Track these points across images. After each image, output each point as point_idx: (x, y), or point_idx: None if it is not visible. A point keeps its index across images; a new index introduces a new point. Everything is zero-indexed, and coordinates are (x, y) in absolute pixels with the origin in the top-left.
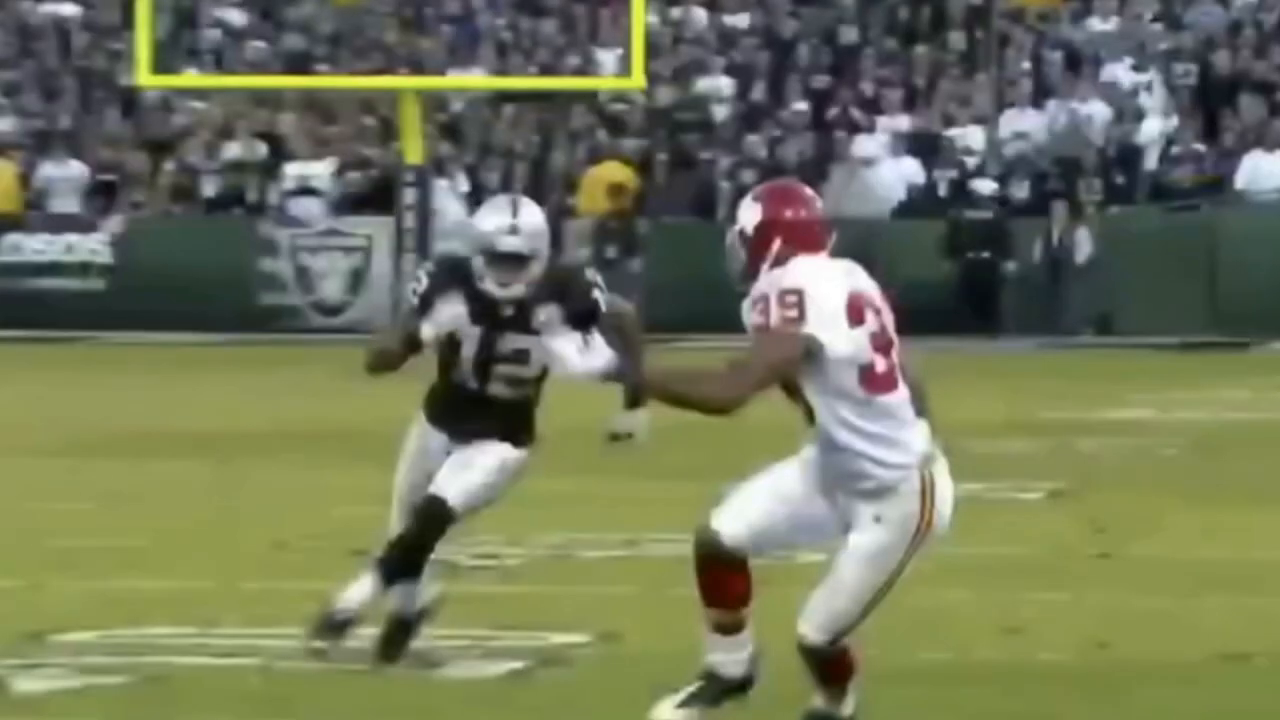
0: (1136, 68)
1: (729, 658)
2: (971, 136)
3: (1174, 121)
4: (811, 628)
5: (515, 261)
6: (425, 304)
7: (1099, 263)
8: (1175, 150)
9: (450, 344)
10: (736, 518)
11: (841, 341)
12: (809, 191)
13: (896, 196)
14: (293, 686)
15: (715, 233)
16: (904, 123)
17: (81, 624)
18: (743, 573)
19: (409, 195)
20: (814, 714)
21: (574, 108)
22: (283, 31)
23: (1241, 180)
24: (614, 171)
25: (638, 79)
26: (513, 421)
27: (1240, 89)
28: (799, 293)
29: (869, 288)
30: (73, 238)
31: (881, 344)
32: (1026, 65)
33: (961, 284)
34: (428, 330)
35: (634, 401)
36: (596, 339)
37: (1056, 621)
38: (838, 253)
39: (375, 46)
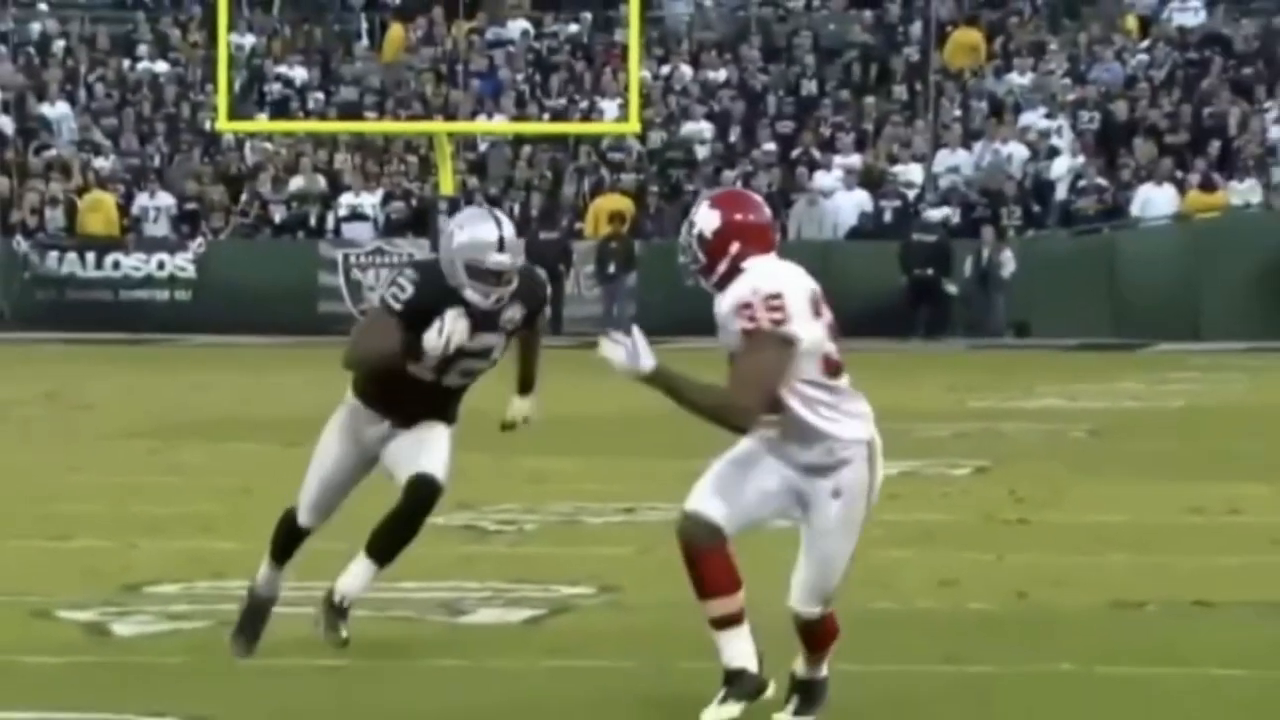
0: (1048, 115)
1: (746, 648)
2: (912, 172)
3: (1080, 159)
4: (806, 604)
5: (500, 276)
6: (413, 312)
7: (1019, 277)
8: (1081, 183)
9: (422, 339)
10: (709, 497)
11: (811, 334)
12: (758, 197)
13: (849, 222)
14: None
15: None
16: (855, 161)
17: (169, 578)
18: (727, 554)
19: (442, 221)
20: (799, 680)
21: (580, 148)
22: (338, 84)
23: (1136, 208)
24: (614, 201)
25: (634, 124)
26: (454, 406)
27: (1135, 133)
28: (780, 295)
29: (816, 284)
30: (163, 256)
31: (833, 334)
32: (957, 113)
33: (910, 295)
34: (433, 341)
35: (526, 389)
36: (639, 340)
37: (983, 576)
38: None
39: (415, 97)
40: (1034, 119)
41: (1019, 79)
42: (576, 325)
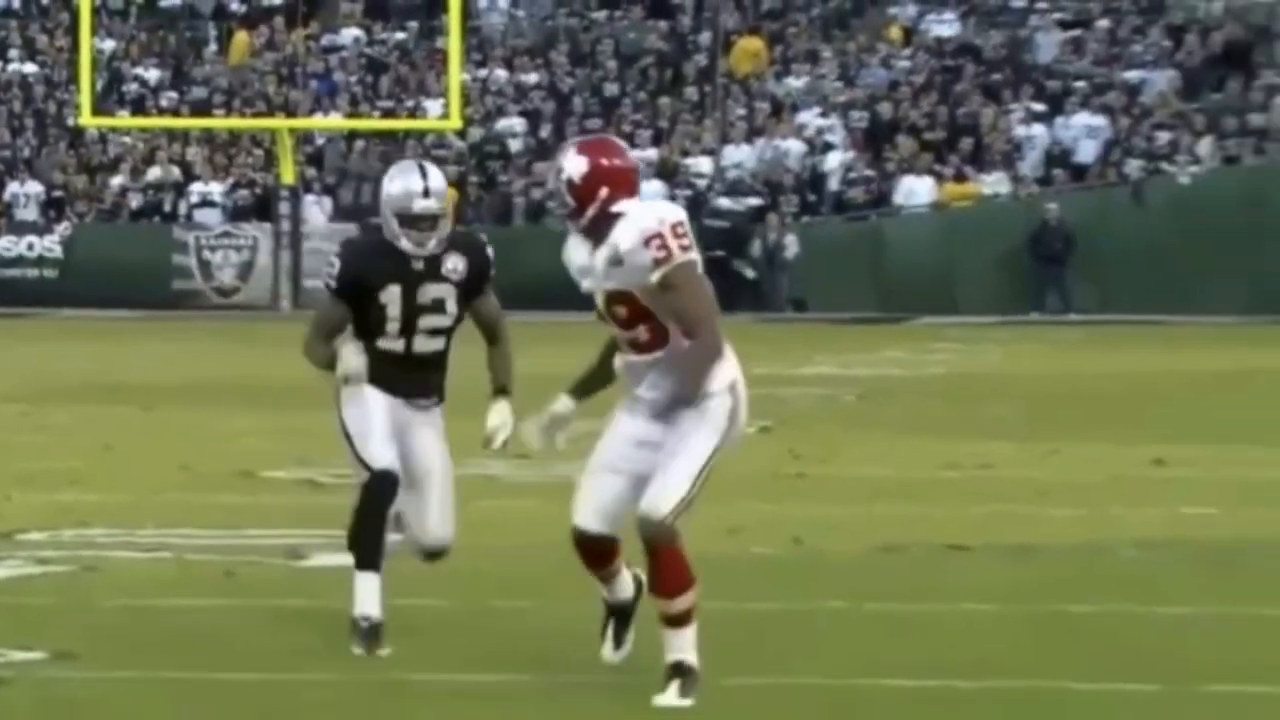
0: (822, 114)
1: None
2: (702, 165)
3: (850, 154)
4: (652, 506)
5: (429, 221)
6: (348, 284)
7: (798, 258)
8: (851, 175)
9: (375, 307)
10: (587, 510)
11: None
12: (622, 143)
13: None
14: (201, 569)
15: (513, 236)
16: (652, 154)
17: (38, 526)
18: (619, 551)
19: (283, 207)
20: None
21: (408, 142)
22: (189, 84)
23: (899, 197)
24: None
25: (455, 121)
26: (439, 377)
27: (898, 130)
28: (684, 223)
29: None
30: (33, 239)
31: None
32: (742, 112)
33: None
34: (352, 362)
35: (499, 389)
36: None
37: (765, 524)
38: None
39: (259, 96)
40: (810, 118)
41: (796, 82)
42: None
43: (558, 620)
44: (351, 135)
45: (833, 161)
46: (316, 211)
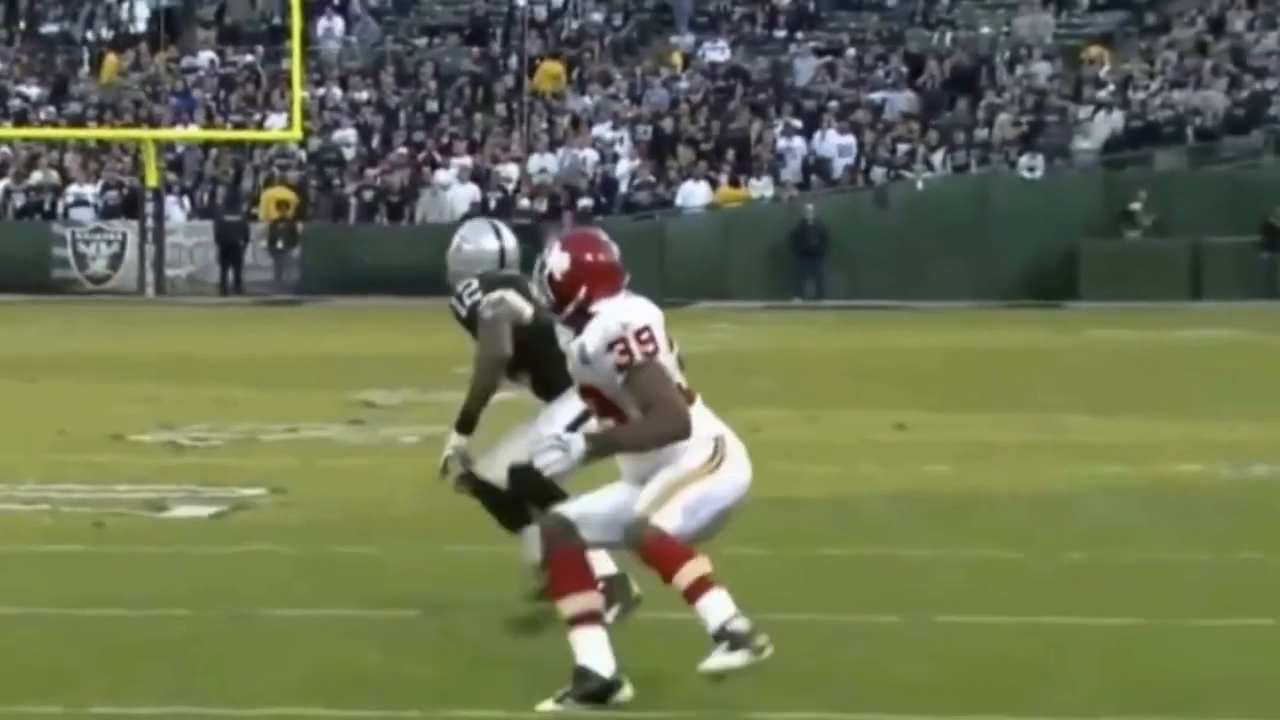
0: (614, 128)
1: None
2: (510, 170)
3: (637, 162)
4: (631, 515)
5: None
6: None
7: None
8: (638, 181)
9: None
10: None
11: (668, 364)
12: (604, 237)
13: (463, 209)
14: (74, 520)
15: (347, 233)
16: (468, 161)
17: None
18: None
19: (148, 207)
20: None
21: (255, 151)
22: (67, 100)
23: (679, 200)
24: (281, 193)
25: (297, 133)
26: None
27: (678, 142)
28: (648, 328)
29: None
30: None
31: (680, 366)
32: (545, 125)
33: None
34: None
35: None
36: (564, 436)
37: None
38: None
39: (127, 110)
40: (603, 131)
41: (590, 100)
42: (254, 288)
43: (392, 562)
44: (207, 144)
45: (622, 169)
46: (177, 210)
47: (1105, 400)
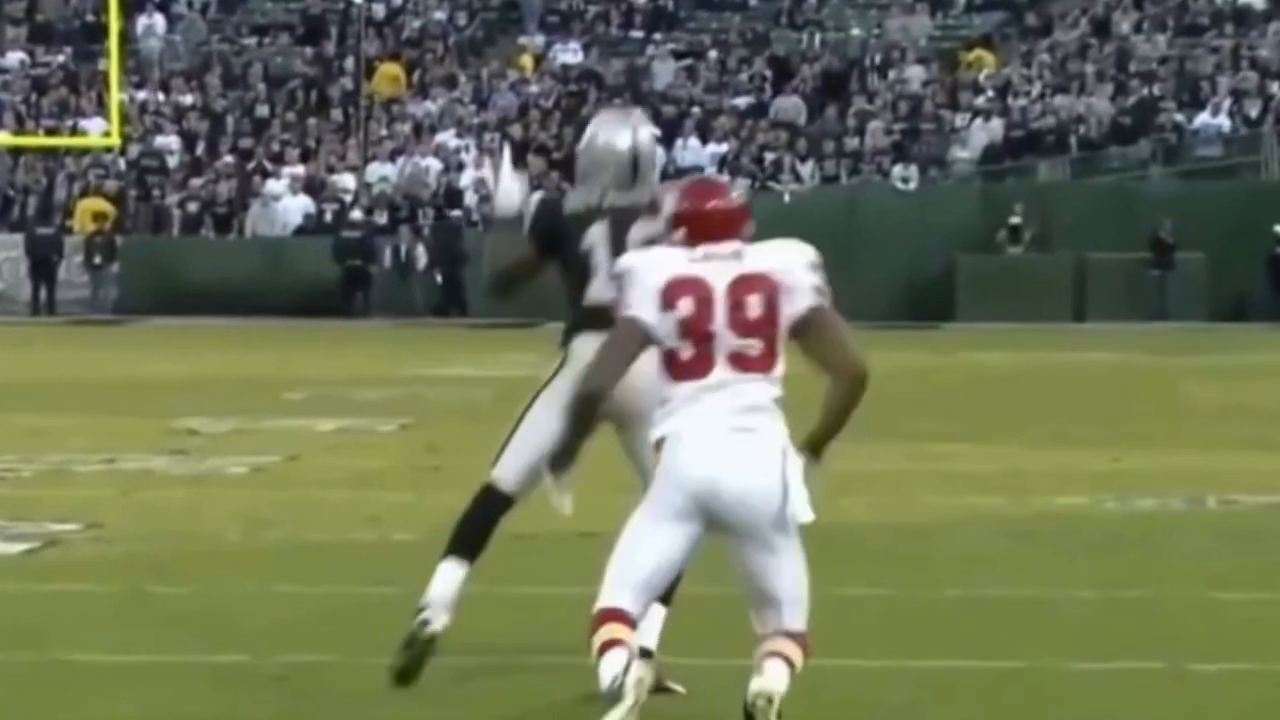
0: (458, 135)
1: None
2: (347, 181)
3: (483, 172)
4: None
5: None
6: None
7: (426, 267)
8: (484, 191)
9: None
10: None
11: (650, 317)
12: (724, 185)
13: (295, 222)
14: None
15: (169, 246)
16: (301, 171)
17: None
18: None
19: None
20: None
21: (69, 158)
22: None
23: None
24: (98, 203)
25: (115, 139)
26: None
27: (528, 150)
28: (625, 273)
29: (712, 275)
30: None
31: (693, 332)
32: (384, 132)
33: (344, 282)
34: None
35: None
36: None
37: (405, 514)
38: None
39: None
40: (446, 138)
41: (434, 105)
42: (68, 307)
43: (218, 602)
44: (16, 151)
45: (467, 178)
46: None
47: (983, 428)
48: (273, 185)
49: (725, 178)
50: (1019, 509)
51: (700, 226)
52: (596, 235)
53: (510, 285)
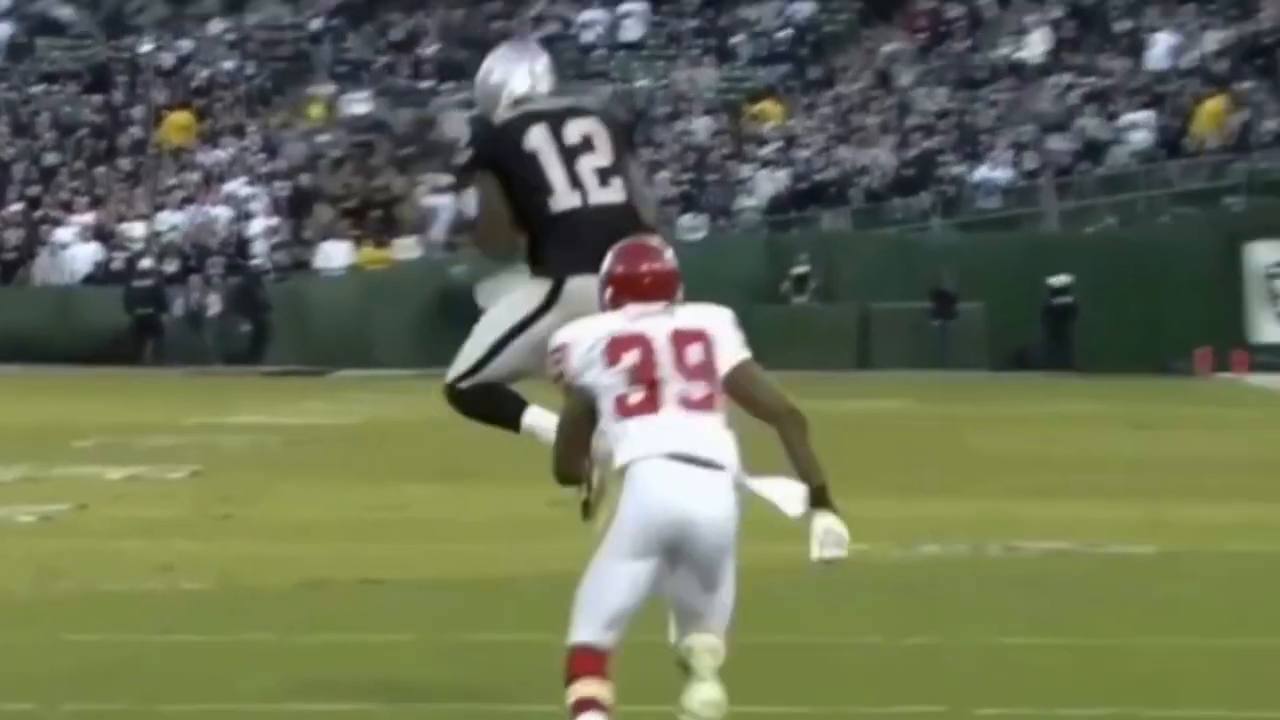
0: (248, 183)
1: None
2: (136, 229)
3: (274, 220)
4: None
5: None
6: None
7: (224, 316)
8: (275, 240)
9: None
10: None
11: (596, 381)
12: (656, 249)
13: (85, 270)
14: None
15: None
16: (90, 219)
17: None
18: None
19: None
20: None
21: None
22: None
23: (319, 261)
24: None
25: None
26: None
27: (318, 199)
28: (561, 349)
29: (650, 329)
30: None
31: (642, 378)
32: (173, 180)
33: (135, 330)
34: None
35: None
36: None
37: (196, 562)
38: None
39: None
40: (236, 186)
41: (223, 153)
42: None
43: (4, 652)
44: None
45: (257, 227)
46: None
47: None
48: (61, 233)
49: (658, 240)
50: (805, 556)
51: (634, 288)
52: (538, 138)
53: (496, 242)
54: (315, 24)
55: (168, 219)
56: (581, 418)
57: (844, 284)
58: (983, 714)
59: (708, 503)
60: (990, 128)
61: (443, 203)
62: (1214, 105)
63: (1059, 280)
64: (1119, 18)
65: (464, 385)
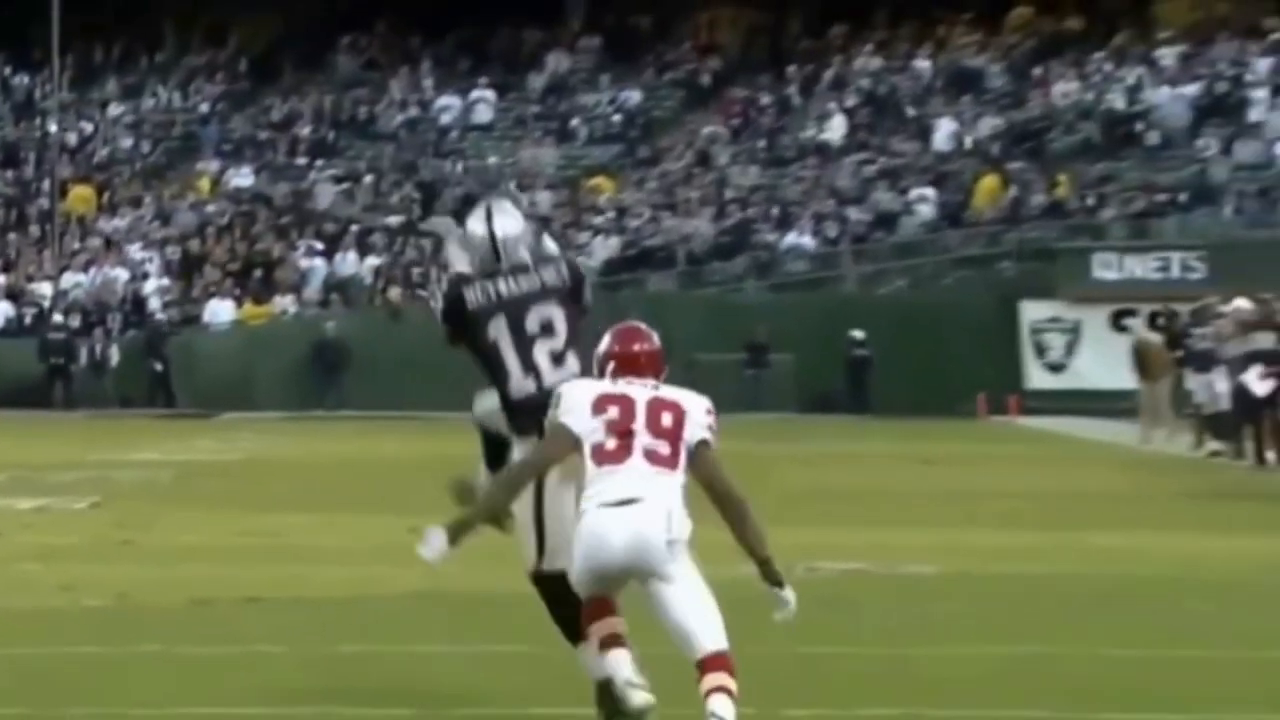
0: (144, 248)
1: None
2: (45, 289)
3: (166, 281)
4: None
5: None
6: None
7: (119, 365)
8: (168, 298)
9: None
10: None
11: (579, 424)
12: (641, 332)
13: None
14: None
15: None
16: (2, 280)
17: None
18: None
19: None
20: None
21: None
22: None
23: (207, 316)
24: None
25: None
26: None
27: (205, 261)
28: (562, 395)
29: (634, 393)
30: None
31: (617, 430)
32: (78, 245)
33: (46, 377)
34: None
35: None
36: (430, 535)
37: (96, 583)
38: None
39: None
40: (133, 251)
41: (121, 222)
42: None
43: None
44: None
45: (151, 286)
46: None
47: None
48: None
49: (642, 325)
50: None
51: (632, 364)
52: (498, 329)
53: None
54: (203, 108)
55: (72, 279)
56: (562, 441)
57: (670, 338)
58: (789, 714)
59: (628, 535)
60: (797, 200)
61: (317, 265)
62: (989, 182)
63: (858, 334)
64: (908, 105)
65: (544, 571)
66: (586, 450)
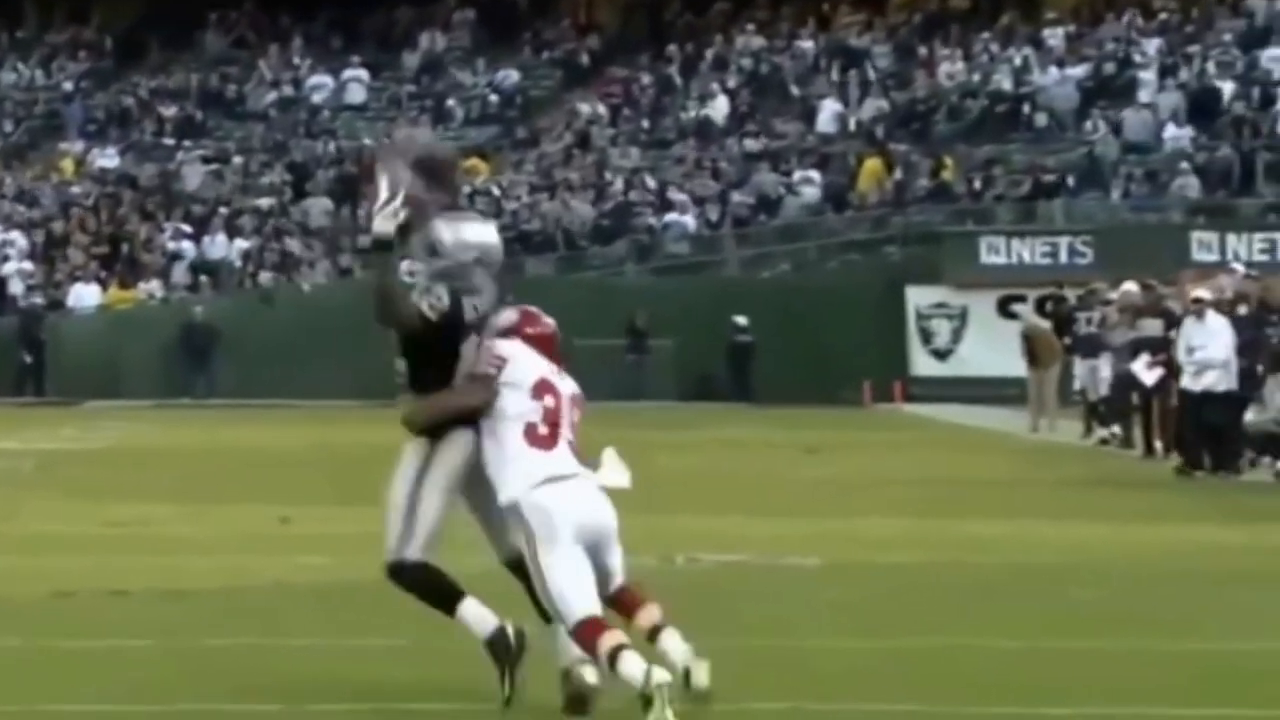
0: (6, 230)
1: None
2: None
3: (28, 264)
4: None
5: None
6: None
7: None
8: (32, 282)
9: None
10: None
11: (517, 405)
12: (540, 315)
13: None
14: None
15: None
16: None
17: None
18: None
19: None
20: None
21: None
22: None
23: (71, 300)
24: None
25: None
26: None
27: (69, 244)
28: (505, 359)
29: (564, 386)
30: None
31: (550, 419)
32: None
33: None
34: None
35: None
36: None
37: None
38: None
39: None
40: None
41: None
42: None
43: None
44: None
45: (11, 268)
46: None
47: None
48: None
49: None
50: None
51: (547, 343)
52: (469, 349)
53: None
54: (66, 86)
55: None
56: (488, 386)
57: None
58: (675, 708)
59: (601, 501)
60: (677, 183)
61: (185, 248)
62: (874, 165)
63: (740, 320)
64: (792, 85)
65: (407, 559)
66: (513, 426)
